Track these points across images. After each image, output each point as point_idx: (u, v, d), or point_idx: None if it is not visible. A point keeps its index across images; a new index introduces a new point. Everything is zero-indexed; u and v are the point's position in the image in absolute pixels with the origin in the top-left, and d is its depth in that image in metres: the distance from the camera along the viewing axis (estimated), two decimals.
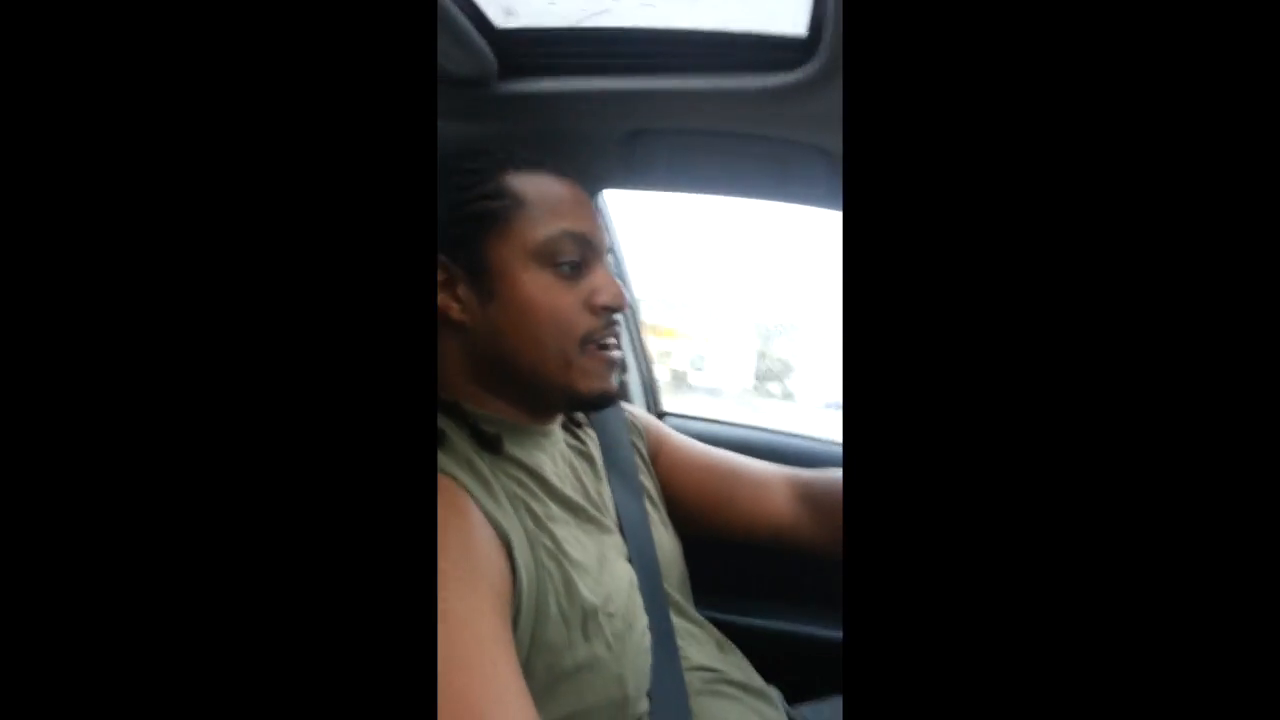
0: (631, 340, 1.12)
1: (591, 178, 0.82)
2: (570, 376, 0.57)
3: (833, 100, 0.61)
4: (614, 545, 0.60)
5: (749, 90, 0.63)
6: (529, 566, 0.50)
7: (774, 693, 0.68)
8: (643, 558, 0.63)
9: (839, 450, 1.11)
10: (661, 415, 1.17)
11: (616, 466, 0.69)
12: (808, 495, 0.73)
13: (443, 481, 0.51)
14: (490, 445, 0.56)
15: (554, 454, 0.62)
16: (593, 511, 0.60)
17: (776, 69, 0.61)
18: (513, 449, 0.57)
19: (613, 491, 0.66)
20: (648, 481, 0.72)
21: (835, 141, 0.69)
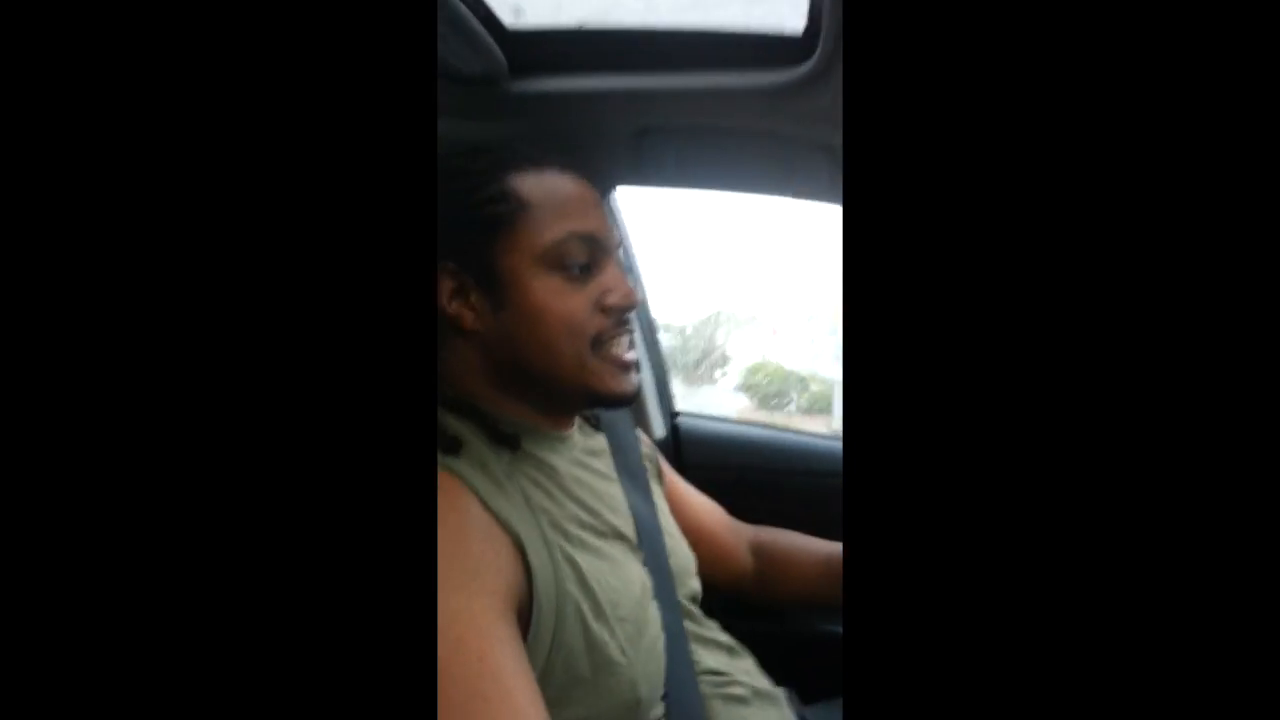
0: (644, 338, 1.13)
1: (603, 176, 0.83)
2: (585, 379, 0.57)
3: (831, 96, 0.61)
4: (628, 549, 0.60)
5: (751, 87, 0.63)
6: (545, 568, 0.50)
7: (783, 694, 0.68)
8: (655, 561, 0.63)
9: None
10: (675, 414, 1.18)
11: (628, 471, 0.69)
12: (760, 550, 0.82)
13: (449, 483, 0.51)
14: (508, 443, 0.56)
15: (570, 458, 0.62)
16: (608, 515, 0.60)
17: (777, 66, 0.61)
18: (530, 449, 0.58)
19: (625, 495, 0.65)
20: (658, 495, 0.72)
21: (836, 137, 0.69)
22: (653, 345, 1.15)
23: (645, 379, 1.14)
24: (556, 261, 0.56)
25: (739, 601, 0.81)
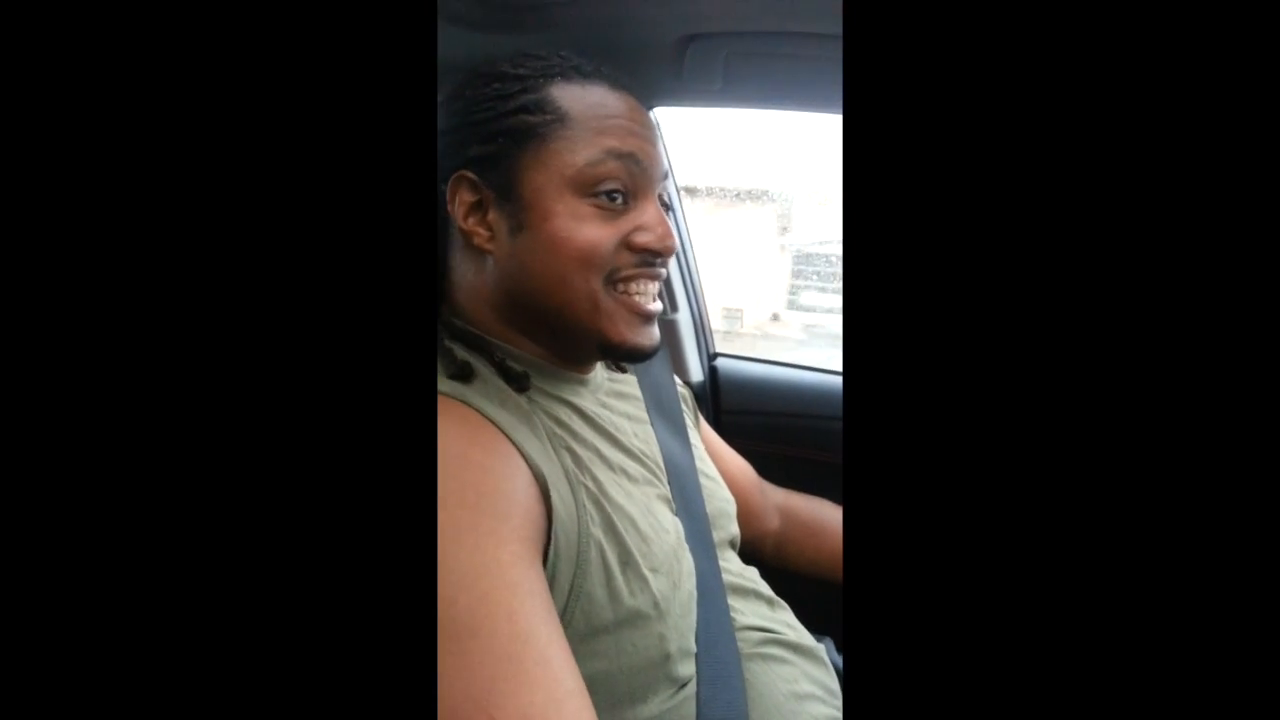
0: (684, 277, 1.06)
1: (640, 93, 0.76)
2: (599, 322, 0.51)
3: None
4: (660, 496, 0.55)
5: None
6: (569, 508, 0.46)
7: (825, 646, 0.64)
8: (689, 506, 0.58)
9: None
10: (714, 356, 1.12)
11: (660, 411, 0.64)
12: (788, 515, 0.82)
13: (468, 415, 0.46)
14: (517, 382, 0.51)
15: (593, 399, 0.57)
16: (638, 458, 0.55)
17: None
18: (546, 387, 0.53)
19: (658, 437, 0.60)
20: (695, 438, 0.67)
21: None
22: (690, 284, 1.08)
23: (683, 318, 1.07)
24: (590, 186, 0.49)
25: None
